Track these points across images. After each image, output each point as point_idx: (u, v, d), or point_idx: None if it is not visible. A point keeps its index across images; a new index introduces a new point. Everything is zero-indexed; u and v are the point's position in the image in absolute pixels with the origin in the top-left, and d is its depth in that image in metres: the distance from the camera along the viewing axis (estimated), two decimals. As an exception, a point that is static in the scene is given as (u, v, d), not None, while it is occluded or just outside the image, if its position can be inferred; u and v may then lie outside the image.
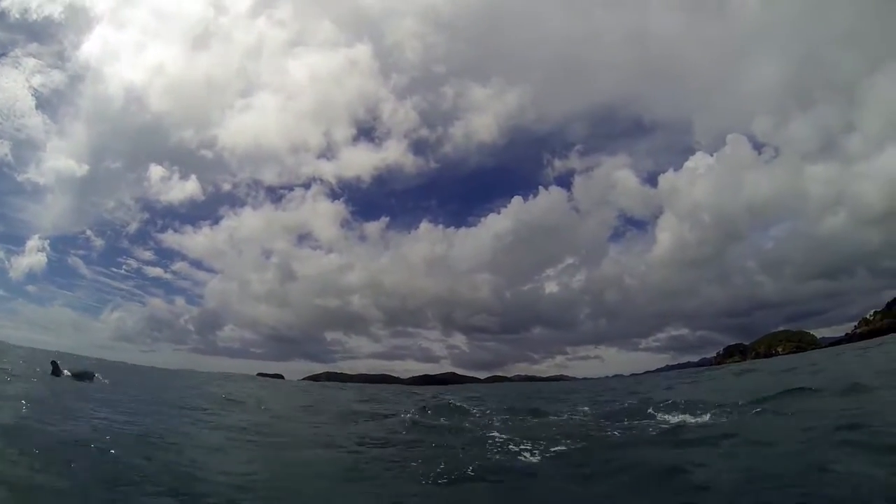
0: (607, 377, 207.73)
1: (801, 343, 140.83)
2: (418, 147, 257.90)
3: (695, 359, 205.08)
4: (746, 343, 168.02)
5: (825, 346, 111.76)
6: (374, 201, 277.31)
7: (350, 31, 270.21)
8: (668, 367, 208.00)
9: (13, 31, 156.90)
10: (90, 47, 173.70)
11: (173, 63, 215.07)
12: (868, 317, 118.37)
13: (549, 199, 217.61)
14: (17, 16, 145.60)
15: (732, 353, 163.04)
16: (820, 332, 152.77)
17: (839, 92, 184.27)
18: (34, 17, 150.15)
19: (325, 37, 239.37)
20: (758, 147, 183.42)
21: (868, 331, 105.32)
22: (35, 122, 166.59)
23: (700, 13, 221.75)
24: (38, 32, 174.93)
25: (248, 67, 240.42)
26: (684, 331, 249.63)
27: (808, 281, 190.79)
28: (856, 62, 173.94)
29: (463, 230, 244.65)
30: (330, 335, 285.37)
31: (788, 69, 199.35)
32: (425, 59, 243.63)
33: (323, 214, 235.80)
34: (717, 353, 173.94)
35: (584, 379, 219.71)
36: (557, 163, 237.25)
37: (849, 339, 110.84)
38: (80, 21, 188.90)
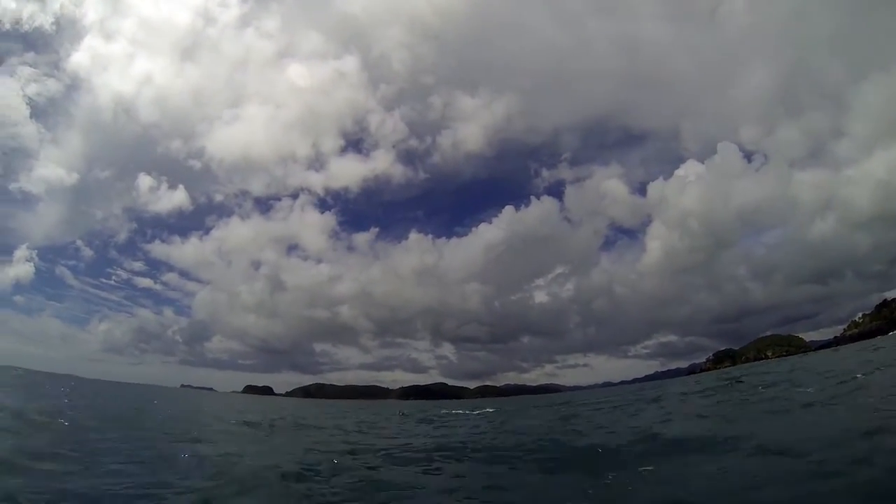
0: (596, 385, 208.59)
1: (791, 347, 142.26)
2: (407, 157, 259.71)
3: (684, 365, 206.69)
4: (736, 348, 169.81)
5: (815, 350, 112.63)
6: (362, 212, 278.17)
7: (338, 42, 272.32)
8: (657, 374, 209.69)
9: (8, 40, 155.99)
10: (81, 57, 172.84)
11: (161, 74, 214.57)
12: (857, 319, 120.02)
13: (540, 209, 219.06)
14: (9, 26, 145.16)
15: (722, 359, 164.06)
16: (809, 336, 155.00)
17: (827, 98, 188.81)
18: (26, 26, 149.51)
19: (313, 48, 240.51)
20: (747, 154, 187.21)
21: (857, 333, 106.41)
22: (29, 130, 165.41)
23: (689, 22, 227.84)
24: (34, 42, 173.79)
25: (236, 78, 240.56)
26: (673, 337, 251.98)
27: (797, 285, 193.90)
28: (843, 69, 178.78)
29: (453, 240, 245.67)
30: (319, 346, 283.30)
31: (777, 77, 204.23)
32: (413, 70, 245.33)
33: (311, 225, 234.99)
34: (707, 359, 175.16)
35: (574, 387, 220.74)
36: (547, 173, 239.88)
37: (837, 341, 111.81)
38: (71, 31, 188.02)
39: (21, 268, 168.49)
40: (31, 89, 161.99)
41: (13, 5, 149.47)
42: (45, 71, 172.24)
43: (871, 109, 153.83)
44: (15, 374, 65.65)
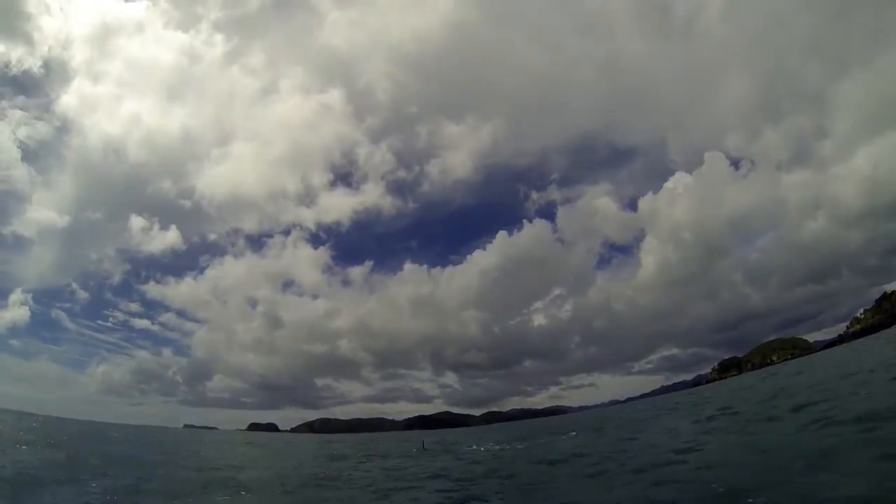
0: (603, 404, 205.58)
1: (796, 349, 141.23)
2: (396, 188, 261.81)
3: (689, 377, 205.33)
4: (740, 355, 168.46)
5: (820, 350, 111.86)
6: (356, 245, 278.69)
7: (322, 76, 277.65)
8: (663, 389, 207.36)
9: None
10: (70, 100, 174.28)
11: (149, 114, 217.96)
12: (859, 315, 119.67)
13: (533, 232, 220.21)
14: None
15: (728, 368, 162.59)
16: (813, 336, 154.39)
17: (808, 100, 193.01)
18: (15, 70, 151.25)
19: (298, 83, 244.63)
20: (734, 162, 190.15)
21: (860, 329, 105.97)
22: (21, 173, 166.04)
23: (666, 38, 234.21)
24: (23, 85, 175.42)
25: (223, 116, 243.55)
26: (676, 350, 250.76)
27: (795, 287, 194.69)
28: (822, 69, 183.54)
29: (448, 269, 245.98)
30: (321, 381, 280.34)
31: (757, 83, 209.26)
32: (397, 99, 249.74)
33: (305, 260, 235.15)
34: (713, 369, 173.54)
35: (581, 408, 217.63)
36: (537, 195, 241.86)
37: (842, 339, 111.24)
38: (59, 74, 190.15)
39: (16, 311, 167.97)
40: (22, 132, 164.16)
41: (1, 48, 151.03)
42: (36, 114, 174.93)
43: (852, 107, 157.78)
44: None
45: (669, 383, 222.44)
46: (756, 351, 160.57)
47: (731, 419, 20.78)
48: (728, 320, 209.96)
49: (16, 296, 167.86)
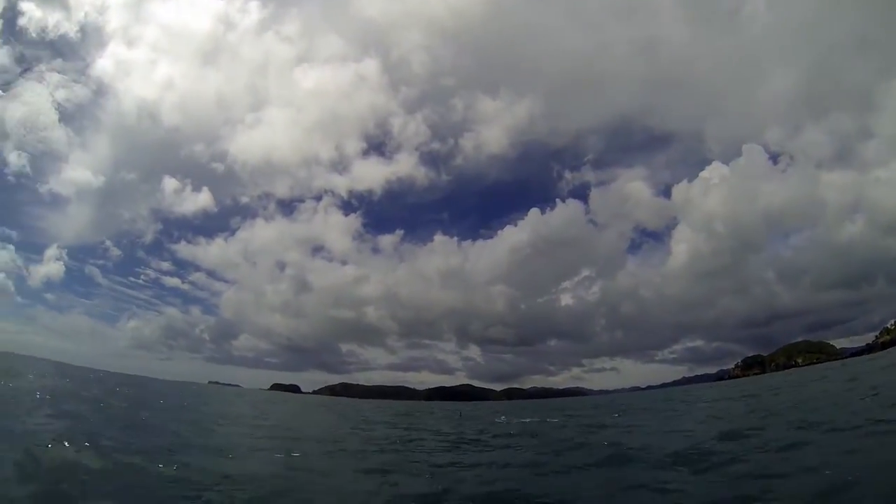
0: (623, 389, 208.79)
1: (822, 354, 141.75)
2: (430, 160, 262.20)
3: (712, 370, 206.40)
4: (765, 354, 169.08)
5: (846, 357, 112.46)
6: (387, 214, 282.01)
7: (357, 45, 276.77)
8: (685, 380, 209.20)
9: (36, 48, 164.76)
10: (105, 64, 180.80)
11: (183, 79, 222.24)
12: (889, 326, 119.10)
13: (565, 212, 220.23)
14: (35, 34, 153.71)
15: (751, 365, 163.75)
16: (840, 343, 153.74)
17: (854, 98, 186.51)
18: (52, 34, 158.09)
19: (333, 51, 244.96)
20: (773, 156, 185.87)
21: (889, 340, 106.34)
22: (58, 134, 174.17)
23: (710, 23, 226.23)
24: (60, 49, 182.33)
25: (257, 83, 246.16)
26: (700, 342, 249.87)
27: (827, 290, 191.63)
28: (870, 68, 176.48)
29: (479, 242, 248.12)
30: (345, 346, 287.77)
31: (801, 77, 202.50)
32: (433, 72, 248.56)
33: (336, 227, 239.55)
34: (736, 365, 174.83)
35: (601, 392, 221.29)
36: (571, 175, 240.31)
37: (870, 349, 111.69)
38: (95, 38, 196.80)
39: (52, 266, 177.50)
40: (60, 95, 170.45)
41: (39, 14, 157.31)
42: (73, 77, 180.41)
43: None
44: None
45: (692, 375, 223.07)
46: (781, 351, 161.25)
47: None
48: (756, 317, 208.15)
49: (51, 251, 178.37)
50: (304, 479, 12.42)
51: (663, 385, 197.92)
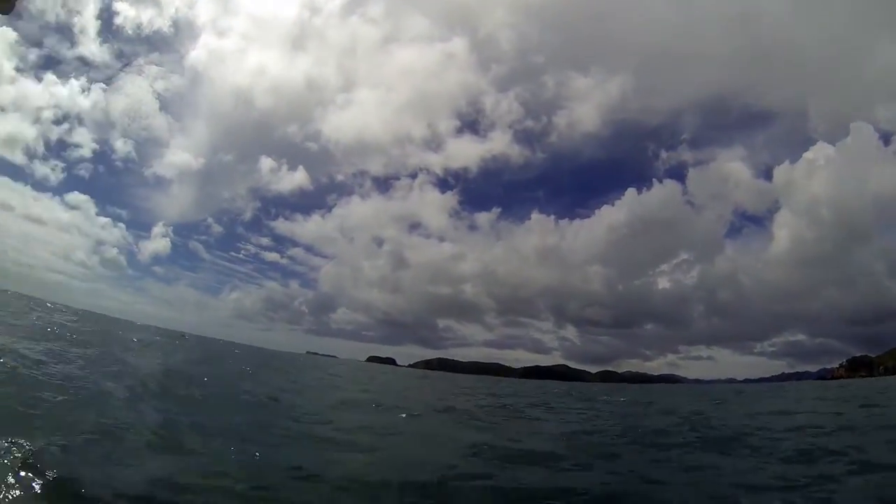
0: (719, 381, 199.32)
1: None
2: (524, 138, 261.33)
3: (813, 369, 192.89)
4: (872, 356, 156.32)
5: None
6: (483, 192, 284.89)
7: (443, 24, 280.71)
8: (784, 376, 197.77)
9: (133, 44, 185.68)
10: (198, 54, 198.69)
11: (273, 64, 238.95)
12: None
13: (662, 192, 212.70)
14: (131, 32, 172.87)
15: (857, 367, 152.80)
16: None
17: None
18: (147, 30, 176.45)
19: (419, 31, 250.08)
20: (884, 136, 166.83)
21: None
22: (159, 122, 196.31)
23: None
24: (156, 43, 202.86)
25: (345, 65, 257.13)
26: (802, 337, 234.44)
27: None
28: None
29: (576, 222, 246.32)
30: (442, 322, 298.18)
31: None
32: (521, 50, 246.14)
33: (432, 203, 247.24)
34: (840, 365, 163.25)
35: (696, 381, 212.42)
36: (667, 154, 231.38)
37: None
38: (187, 31, 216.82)
39: (159, 242, 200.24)
40: (159, 85, 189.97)
41: (133, 12, 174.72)
42: (170, 68, 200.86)
43: None
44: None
45: (791, 371, 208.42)
46: (890, 354, 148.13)
47: None
48: (864, 314, 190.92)
49: (158, 228, 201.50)
50: (429, 431, 15.31)
51: (761, 380, 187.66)
